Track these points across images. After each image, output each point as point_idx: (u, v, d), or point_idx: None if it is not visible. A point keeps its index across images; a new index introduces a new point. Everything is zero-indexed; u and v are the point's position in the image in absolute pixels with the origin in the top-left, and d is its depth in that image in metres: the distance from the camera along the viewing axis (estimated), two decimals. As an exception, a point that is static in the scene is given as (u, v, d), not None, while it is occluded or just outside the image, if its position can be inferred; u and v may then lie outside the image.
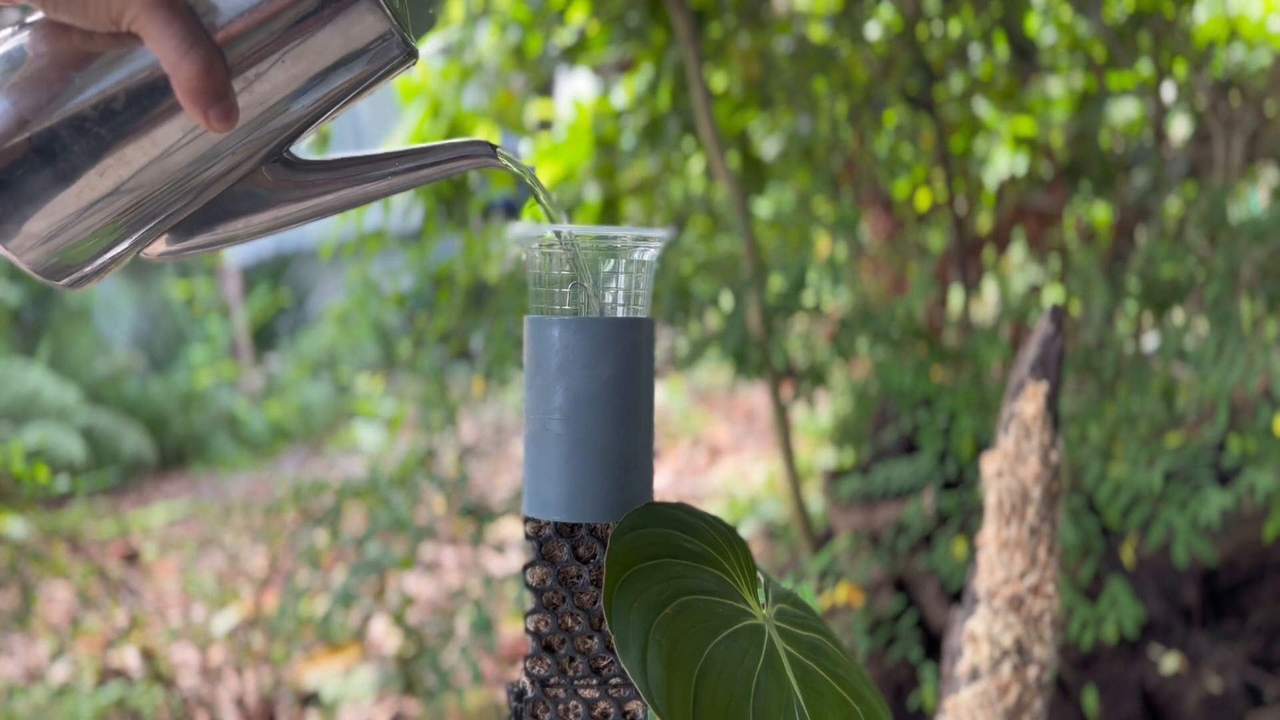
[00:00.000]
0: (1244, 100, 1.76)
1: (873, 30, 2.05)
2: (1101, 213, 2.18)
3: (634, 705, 0.47)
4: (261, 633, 1.83)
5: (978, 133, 2.21)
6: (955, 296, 2.19)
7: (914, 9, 1.98)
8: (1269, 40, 1.98)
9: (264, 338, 6.11)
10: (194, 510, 2.53)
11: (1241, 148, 1.71)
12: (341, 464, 3.47)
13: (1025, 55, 1.93)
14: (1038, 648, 0.76)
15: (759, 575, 0.48)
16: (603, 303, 0.47)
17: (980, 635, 0.77)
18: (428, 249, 1.91)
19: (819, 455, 2.91)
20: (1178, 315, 1.55)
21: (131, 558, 2.85)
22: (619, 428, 0.45)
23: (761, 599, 0.47)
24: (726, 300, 1.70)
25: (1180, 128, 2.13)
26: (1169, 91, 1.98)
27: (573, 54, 2.05)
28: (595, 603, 0.47)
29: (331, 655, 2.13)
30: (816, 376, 1.73)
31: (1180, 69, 1.90)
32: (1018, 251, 2.36)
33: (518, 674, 0.49)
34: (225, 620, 1.92)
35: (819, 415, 2.97)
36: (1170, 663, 1.53)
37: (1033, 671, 0.76)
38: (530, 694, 0.47)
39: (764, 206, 2.30)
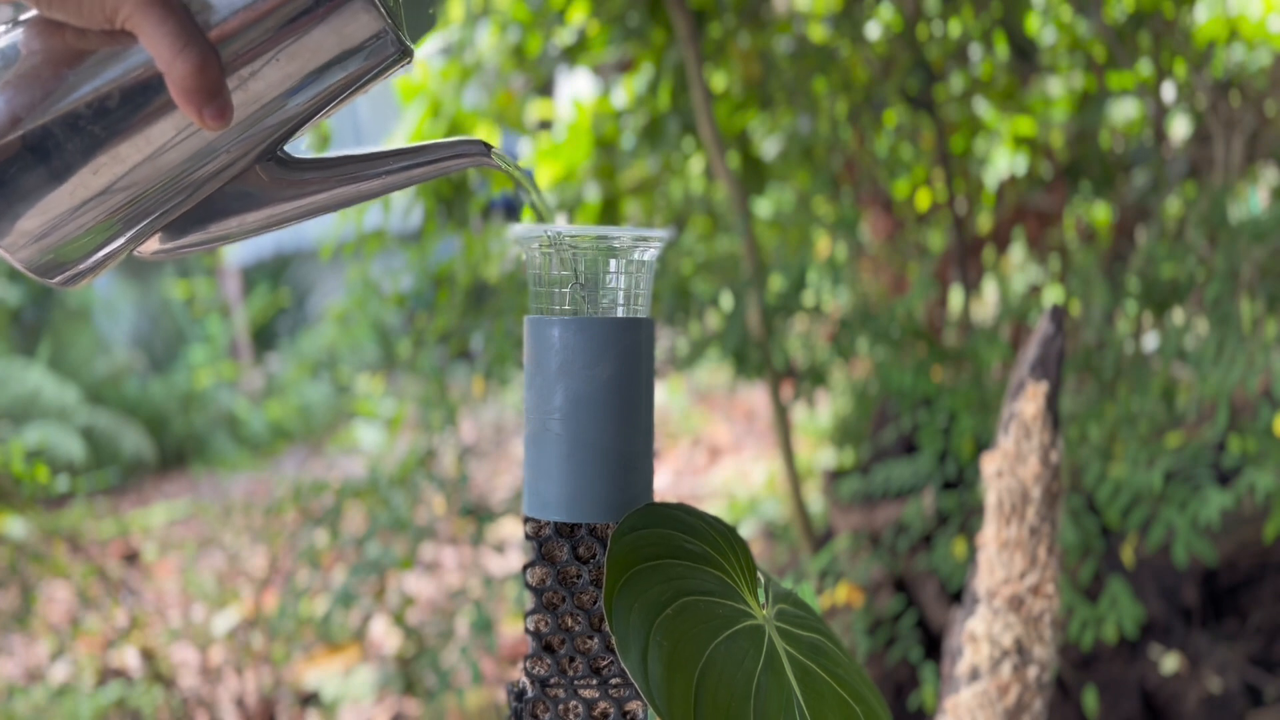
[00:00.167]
0: (1244, 100, 1.76)
1: (873, 30, 2.05)
2: (1101, 213, 2.18)
3: (634, 705, 0.47)
4: (261, 633, 1.83)
5: (978, 133, 2.21)
6: (955, 296, 2.19)
7: (914, 9, 1.98)
8: (1269, 40, 1.98)
9: (264, 338, 6.11)
10: (194, 510, 2.53)
11: (1241, 148, 1.71)
12: (341, 464, 3.47)
13: (1025, 55, 1.93)
14: (1038, 648, 0.76)
15: (759, 575, 0.48)
16: (598, 301, 0.47)
17: (980, 635, 0.77)
18: (428, 249, 1.91)
19: (819, 455, 2.91)
20: (1178, 315, 1.55)
21: (131, 558, 2.85)
22: (619, 428, 0.45)
23: (762, 599, 0.47)
24: (726, 300, 1.70)
25: (1180, 128, 2.13)
26: (1169, 91, 1.98)
27: (573, 54, 2.05)
28: (595, 603, 0.47)
29: (331, 655, 2.13)
30: (816, 376, 1.73)
31: (1180, 69, 1.90)
32: (1018, 251, 2.36)
33: (518, 674, 0.49)
34: (225, 620, 1.92)
35: (819, 415, 2.97)
36: (1170, 663, 1.53)
37: (1033, 671, 0.76)
38: (530, 694, 0.47)
39: (764, 206, 2.30)
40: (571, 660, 0.47)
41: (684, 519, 0.47)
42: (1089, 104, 2.07)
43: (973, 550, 1.43)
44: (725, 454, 3.75)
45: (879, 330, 1.61)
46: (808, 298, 1.68)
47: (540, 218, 0.47)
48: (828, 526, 1.97)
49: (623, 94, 2.24)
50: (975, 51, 2.09)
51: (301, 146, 0.46)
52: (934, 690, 1.37)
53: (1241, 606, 1.66)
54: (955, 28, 2.02)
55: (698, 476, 3.51)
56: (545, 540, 0.47)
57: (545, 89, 2.33)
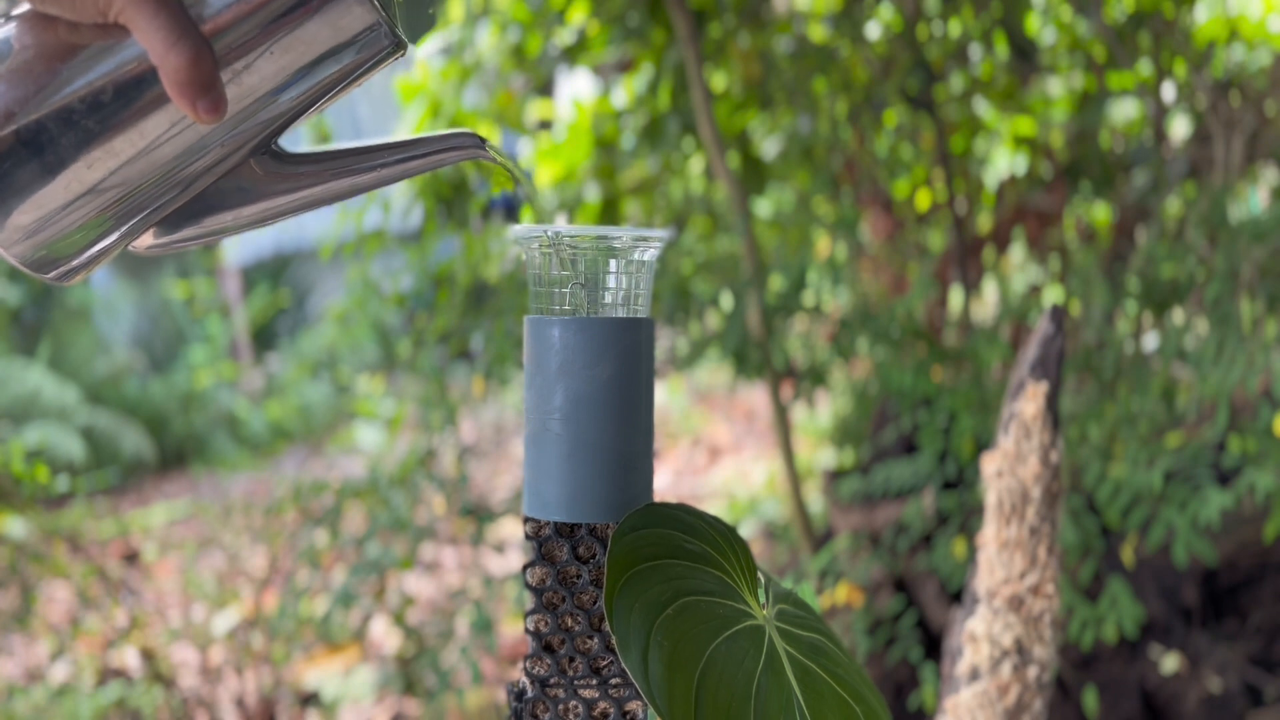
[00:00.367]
0: (1244, 100, 1.76)
1: (873, 30, 2.05)
2: (1101, 213, 2.18)
3: (634, 705, 0.47)
4: (261, 633, 1.83)
5: (978, 133, 2.21)
6: (955, 296, 2.19)
7: (914, 9, 1.98)
8: (1269, 40, 1.98)
9: (264, 338, 6.12)
10: (194, 510, 2.53)
11: (1241, 148, 1.71)
12: (341, 464, 3.47)
13: (1025, 55, 1.93)
14: (1038, 648, 0.76)
15: (759, 575, 0.48)
16: (599, 301, 0.47)
17: (980, 635, 0.77)
18: (428, 249, 1.91)
19: (819, 455, 2.91)
20: (1178, 315, 1.55)
21: (131, 558, 2.85)
22: (619, 428, 0.45)
23: (762, 599, 0.47)
24: (726, 300, 1.70)
25: (1180, 128, 2.13)
26: (1169, 91, 1.98)
27: (573, 54, 2.05)
28: (595, 603, 0.47)
29: (331, 655, 2.13)
30: (816, 376, 1.73)
31: (1180, 69, 1.90)
32: (1018, 251, 2.36)
33: (518, 674, 0.49)
34: (225, 620, 1.92)
35: (819, 415, 2.97)
36: (1170, 663, 1.53)
37: (1033, 671, 0.76)
38: (530, 694, 0.47)
39: (764, 206, 2.30)
40: (571, 660, 0.47)
41: (684, 519, 0.47)
42: (1089, 104, 2.07)
43: (973, 550, 1.43)
44: (725, 454, 3.75)
45: (879, 330, 1.61)
46: (808, 298, 1.68)
47: (534, 207, 0.47)
48: (828, 526, 1.97)
49: (623, 94, 2.24)
50: (975, 51, 2.09)
51: (300, 143, 0.46)
52: (934, 690, 1.37)
53: (1241, 606, 1.66)
54: (955, 28, 2.02)
55: (698, 476, 3.51)
56: (545, 540, 0.47)
57: (545, 89, 2.33)
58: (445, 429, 1.69)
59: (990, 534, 0.78)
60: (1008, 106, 2.20)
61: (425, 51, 2.10)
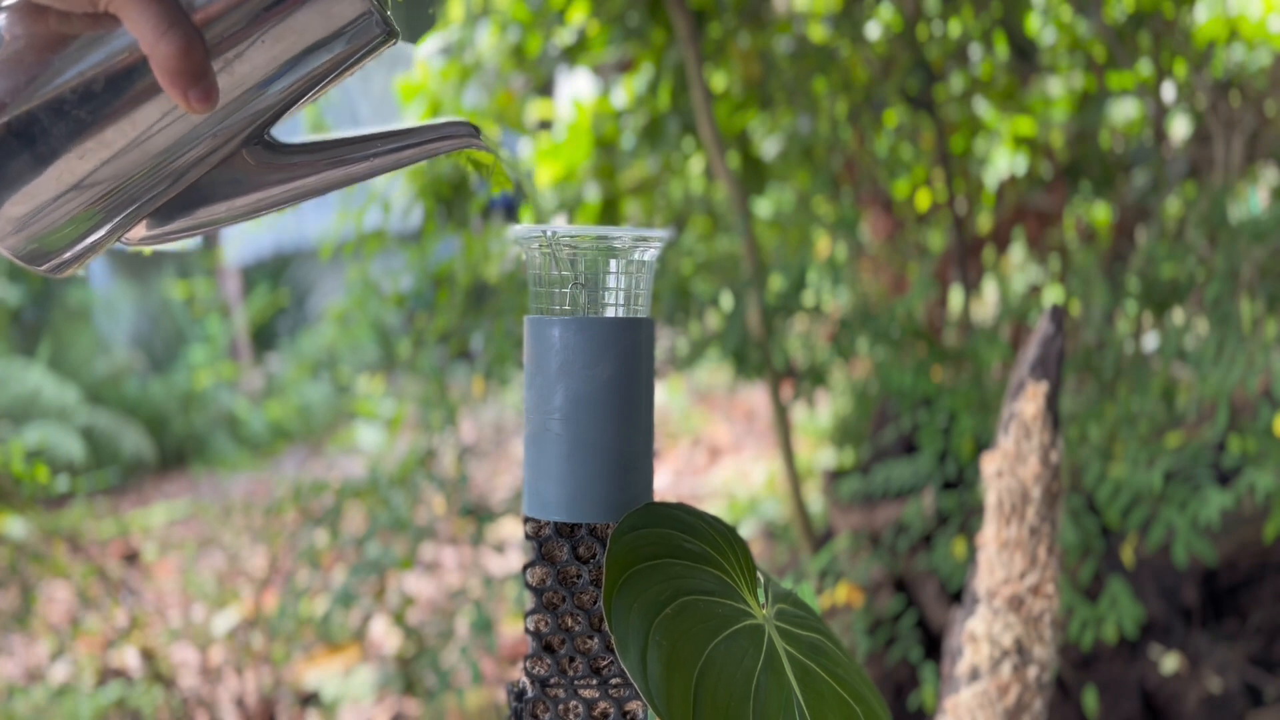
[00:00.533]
0: (1244, 100, 1.76)
1: (873, 30, 2.05)
2: (1101, 213, 2.18)
3: (634, 705, 0.47)
4: (261, 633, 1.83)
5: (978, 133, 2.21)
6: (955, 296, 2.19)
7: (914, 9, 1.98)
8: (1269, 40, 1.98)
9: (264, 338, 6.11)
10: (194, 510, 2.53)
11: (1241, 148, 1.71)
12: (341, 464, 3.47)
13: (1025, 55, 1.93)
14: (1038, 648, 0.76)
15: (759, 575, 0.48)
16: (599, 301, 0.47)
17: (980, 635, 0.77)
18: (428, 249, 1.91)
19: (819, 455, 2.91)
20: (1178, 315, 1.55)
21: (131, 558, 2.85)
22: (619, 428, 0.45)
23: (761, 599, 0.47)
24: (726, 300, 1.70)
25: (1180, 128, 2.13)
26: (1169, 91, 1.98)
27: (573, 54, 2.05)
28: (595, 603, 0.47)
29: (331, 655, 2.13)
30: (816, 376, 1.73)
31: (1180, 69, 1.90)
32: (1018, 251, 2.36)
33: (518, 674, 0.49)
34: (225, 620, 1.92)
35: (819, 415, 2.96)
36: (1170, 663, 1.53)
37: (1033, 671, 0.76)
38: (530, 694, 0.47)
39: (764, 206, 2.30)
40: (571, 660, 0.47)
41: (684, 519, 0.47)
42: (1089, 104, 2.07)
43: (973, 550, 1.43)
44: (725, 454, 3.75)
45: (879, 330, 1.61)
46: (808, 298, 1.68)
47: (529, 195, 0.47)
48: (828, 526, 1.97)
49: (623, 94, 2.24)
50: (975, 51, 2.09)
51: (298, 136, 0.46)
52: (934, 690, 1.37)
53: (1241, 606, 1.66)
54: (955, 28, 2.02)
55: (698, 476, 3.51)
56: (545, 540, 0.47)
57: (545, 89, 2.33)
58: (445, 429, 1.69)
59: (990, 534, 0.78)
60: (1008, 106, 2.20)
61: (425, 51, 2.10)
